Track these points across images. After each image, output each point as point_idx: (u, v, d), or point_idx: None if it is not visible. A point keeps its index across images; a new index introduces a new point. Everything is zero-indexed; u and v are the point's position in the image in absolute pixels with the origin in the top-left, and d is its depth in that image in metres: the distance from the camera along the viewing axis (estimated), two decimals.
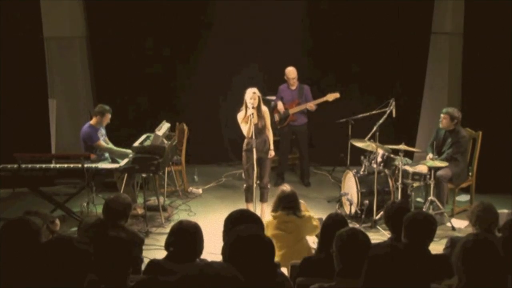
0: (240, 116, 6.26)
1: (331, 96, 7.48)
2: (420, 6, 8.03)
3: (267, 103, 7.97)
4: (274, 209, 4.76)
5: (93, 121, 6.83)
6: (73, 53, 8.28)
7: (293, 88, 7.65)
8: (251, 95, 6.12)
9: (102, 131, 6.94)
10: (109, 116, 6.83)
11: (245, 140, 6.32)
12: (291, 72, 7.57)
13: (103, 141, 6.92)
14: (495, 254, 2.64)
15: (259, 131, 6.21)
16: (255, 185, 6.18)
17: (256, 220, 3.35)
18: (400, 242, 3.67)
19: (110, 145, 6.88)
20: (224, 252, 2.66)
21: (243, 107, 6.23)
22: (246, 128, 6.19)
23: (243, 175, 6.59)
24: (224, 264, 2.36)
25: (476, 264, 2.63)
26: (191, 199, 7.40)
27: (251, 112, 6.07)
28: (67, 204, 6.47)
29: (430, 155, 6.53)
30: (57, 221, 4.22)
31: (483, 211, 4.04)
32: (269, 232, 4.60)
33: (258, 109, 6.19)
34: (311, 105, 7.51)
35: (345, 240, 3.02)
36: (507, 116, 7.20)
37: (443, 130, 6.73)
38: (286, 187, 4.85)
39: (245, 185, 6.44)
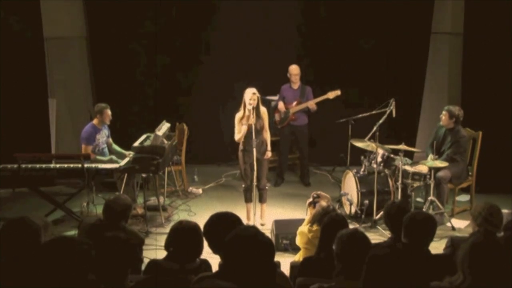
0: (238, 116, 6.26)
1: (332, 94, 7.47)
2: (420, 6, 8.04)
3: (267, 103, 7.99)
4: (311, 223, 4.60)
5: (95, 121, 6.83)
6: (73, 53, 8.29)
7: (295, 87, 7.64)
8: (251, 95, 6.11)
9: (105, 131, 6.93)
10: (108, 112, 6.79)
11: (242, 141, 6.32)
12: (294, 69, 7.57)
13: (105, 142, 6.93)
14: (502, 254, 2.66)
15: (257, 131, 6.18)
16: (254, 184, 6.18)
17: (233, 220, 3.27)
18: (400, 242, 3.67)
19: (99, 157, 6.78)
20: (224, 252, 2.66)
21: (242, 107, 6.23)
22: (239, 129, 6.19)
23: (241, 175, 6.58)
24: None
25: (484, 264, 2.65)
26: (191, 199, 7.40)
27: (251, 107, 6.05)
28: (67, 204, 6.47)
29: (431, 156, 6.53)
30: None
31: (491, 216, 3.94)
32: (301, 242, 4.61)
33: (257, 109, 6.18)
34: (312, 104, 7.49)
35: (345, 242, 3.03)
36: (507, 116, 7.20)
37: (442, 129, 6.73)
38: (327, 204, 4.68)
39: (243, 186, 6.43)
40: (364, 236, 3.14)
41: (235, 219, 3.30)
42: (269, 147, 6.35)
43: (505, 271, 2.70)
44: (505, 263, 2.70)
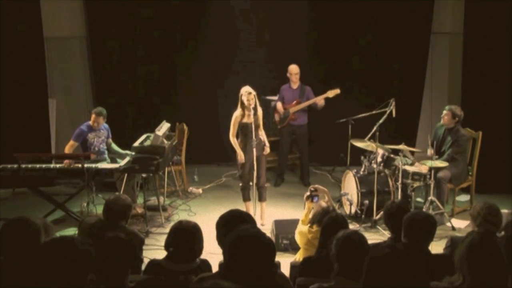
0: (236, 115, 6.25)
1: (332, 93, 7.47)
2: (420, 6, 8.04)
3: (267, 103, 7.99)
4: (311, 223, 4.55)
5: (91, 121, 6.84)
6: (73, 53, 8.29)
7: (295, 87, 7.63)
8: (247, 95, 6.12)
9: (103, 132, 6.92)
10: (93, 116, 6.75)
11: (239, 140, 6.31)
12: (293, 68, 7.56)
13: (103, 142, 6.92)
14: (500, 254, 2.66)
15: (255, 130, 6.18)
16: (253, 183, 6.17)
17: (247, 220, 3.30)
18: (400, 242, 3.67)
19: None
20: (224, 252, 2.67)
21: (239, 106, 6.22)
22: (233, 131, 6.23)
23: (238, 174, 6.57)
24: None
25: (482, 263, 2.65)
26: (191, 199, 7.40)
27: (251, 107, 6.07)
28: (67, 204, 6.47)
29: (431, 150, 6.51)
30: None
31: (490, 215, 3.94)
32: (301, 242, 4.61)
33: (254, 108, 6.18)
34: (320, 99, 7.44)
35: (341, 245, 3.03)
36: (507, 116, 7.20)
37: (442, 128, 6.73)
38: (327, 204, 4.67)
39: (241, 184, 6.43)
40: (361, 238, 3.13)
41: (251, 221, 3.32)
42: (267, 143, 6.36)
43: (505, 271, 2.70)
44: (504, 263, 2.70)
